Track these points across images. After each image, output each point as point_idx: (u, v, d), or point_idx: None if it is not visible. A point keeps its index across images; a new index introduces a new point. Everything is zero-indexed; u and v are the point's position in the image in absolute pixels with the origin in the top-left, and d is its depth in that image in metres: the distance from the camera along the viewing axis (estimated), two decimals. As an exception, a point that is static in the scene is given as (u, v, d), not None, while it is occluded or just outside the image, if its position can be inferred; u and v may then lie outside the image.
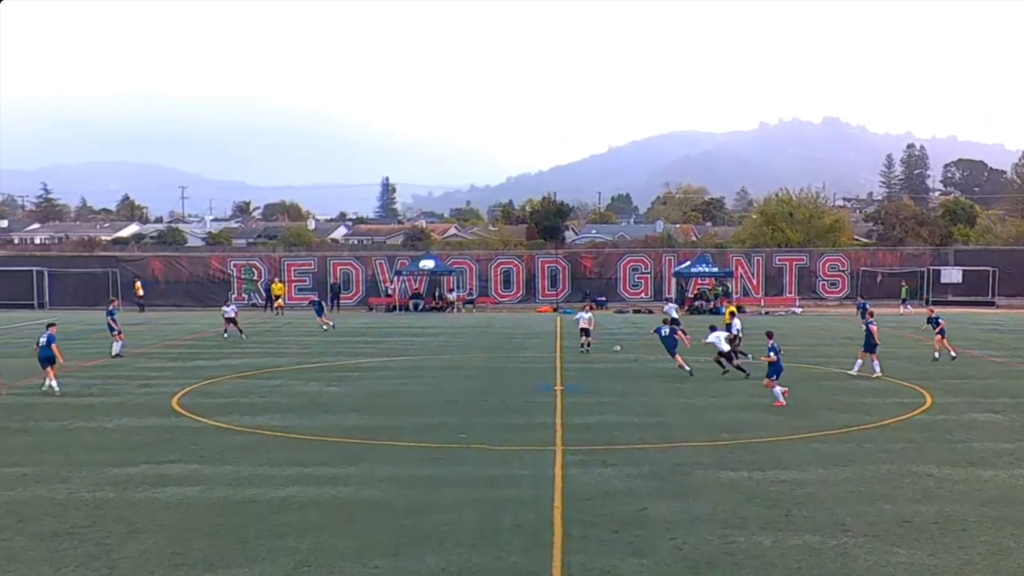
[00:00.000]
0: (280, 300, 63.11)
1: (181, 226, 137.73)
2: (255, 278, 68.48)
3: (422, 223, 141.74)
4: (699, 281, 64.64)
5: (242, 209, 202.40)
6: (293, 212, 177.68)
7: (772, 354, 25.43)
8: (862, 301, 49.68)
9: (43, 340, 27.64)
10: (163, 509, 15.35)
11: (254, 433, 21.41)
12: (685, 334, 32.19)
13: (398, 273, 66.86)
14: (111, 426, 22.36)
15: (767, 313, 60.36)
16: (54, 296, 66.81)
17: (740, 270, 66.79)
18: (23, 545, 13.53)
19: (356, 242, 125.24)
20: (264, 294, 66.54)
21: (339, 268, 68.68)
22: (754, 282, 67.10)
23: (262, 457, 18.95)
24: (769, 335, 26.73)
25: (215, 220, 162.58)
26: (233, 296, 65.43)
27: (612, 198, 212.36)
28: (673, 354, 31.12)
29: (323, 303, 53.33)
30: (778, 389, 24.98)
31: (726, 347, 30.33)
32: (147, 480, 17.07)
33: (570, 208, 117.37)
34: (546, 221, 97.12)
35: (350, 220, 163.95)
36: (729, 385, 28.34)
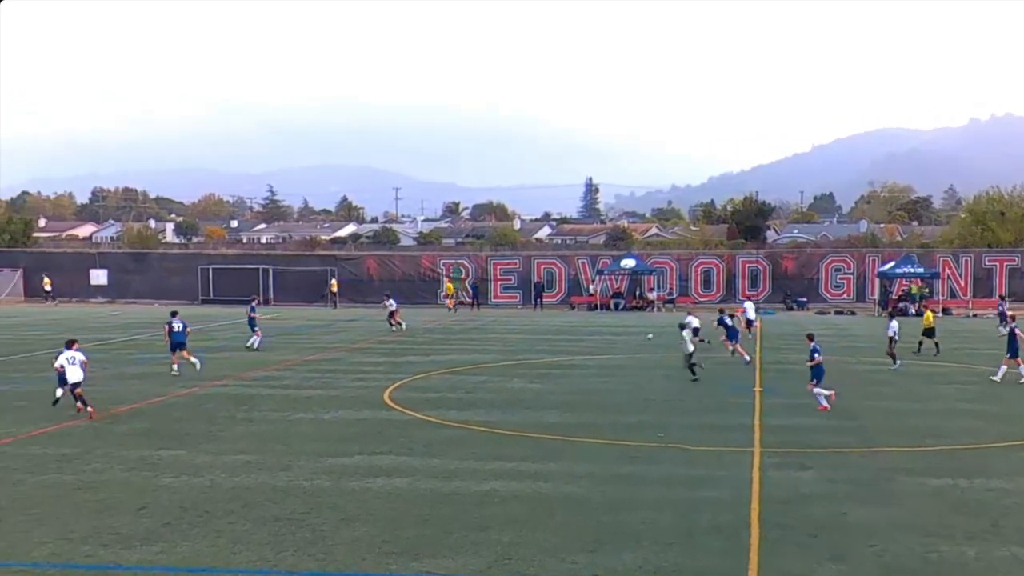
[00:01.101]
0: (452, 299, 64.53)
1: (394, 226, 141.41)
2: (463, 277, 69.68)
3: (624, 223, 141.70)
4: (903, 282, 62.47)
5: (451, 210, 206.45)
6: (500, 212, 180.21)
7: (817, 356, 24.34)
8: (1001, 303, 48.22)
9: (178, 326, 30.89)
10: (374, 499, 15.79)
11: (460, 427, 21.82)
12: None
13: (600, 272, 66.94)
14: (328, 418, 23.15)
15: (975, 316, 57.87)
16: (278, 292, 69.48)
17: (947, 271, 64.02)
18: (247, 529, 14.14)
19: (559, 241, 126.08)
20: (471, 292, 67.67)
21: (543, 267, 69.24)
22: (962, 283, 64.31)
23: (467, 451, 19.29)
24: (810, 337, 25.39)
25: (426, 220, 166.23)
26: (442, 294, 66.92)
27: (815, 197, 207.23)
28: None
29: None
30: (822, 393, 23.98)
31: (691, 347, 29.79)
32: (360, 470, 17.61)
33: (772, 208, 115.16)
34: (747, 221, 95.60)
35: (554, 220, 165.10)
36: (932, 389, 27.34)
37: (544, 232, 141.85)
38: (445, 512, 15.04)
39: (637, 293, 66.45)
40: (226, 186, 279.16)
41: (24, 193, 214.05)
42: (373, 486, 16.55)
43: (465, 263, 70.96)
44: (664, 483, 16.80)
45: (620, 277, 66.83)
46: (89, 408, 22.87)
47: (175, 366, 30.52)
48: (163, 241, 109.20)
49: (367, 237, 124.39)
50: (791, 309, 63.52)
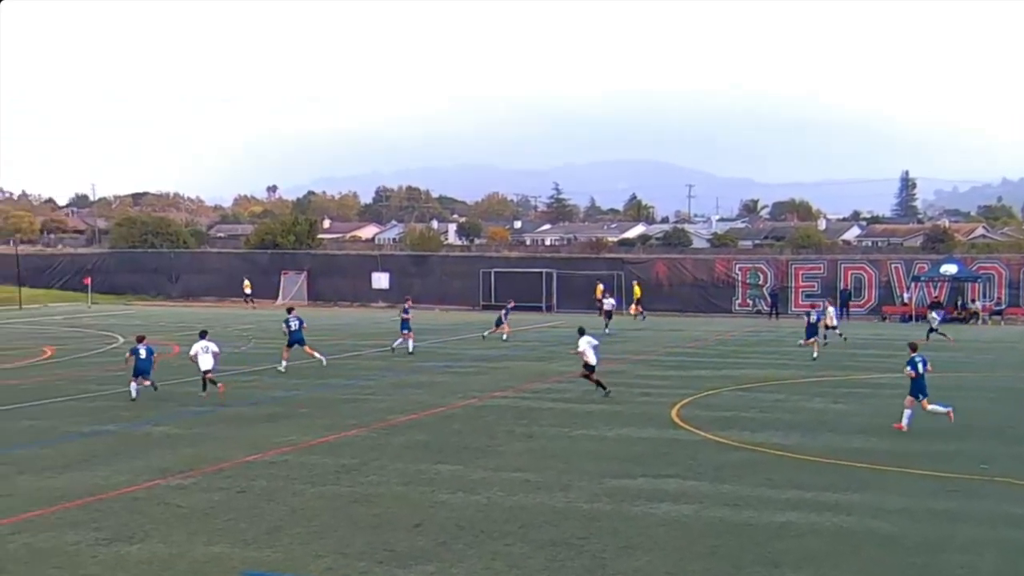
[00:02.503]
0: (637, 305, 64.22)
1: (686, 226, 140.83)
2: (760, 282, 68.68)
3: (944, 222, 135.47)
4: None
5: (749, 208, 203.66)
6: (803, 211, 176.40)
7: (909, 369, 23.57)
8: None
9: (295, 324, 35.00)
10: (658, 526, 15.79)
11: (753, 450, 21.53)
12: None
13: (915, 279, 64.46)
14: (611, 435, 23.33)
15: None
16: (561, 298, 70.52)
17: None
18: (523, 552, 14.43)
19: (870, 244, 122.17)
20: (769, 300, 66.58)
21: (850, 272, 67.35)
22: None
23: (761, 477, 19.01)
24: (912, 347, 24.60)
25: (721, 220, 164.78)
26: (737, 301, 66.17)
27: None
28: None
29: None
30: (933, 406, 23.42)
31: (593, 359, 28.82)
32: (643, 494, 17.65)
33: None
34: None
35: (864, 220, 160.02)
36: None
37: (852, 233, 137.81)
38: (735, 544, 14.87)
39: (959, 303, 63.53)
40: (510, 184, 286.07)
41: (310, 193, 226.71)
42: (657, 512, 16.56)
43: (763, 267, 69.94)
44: (987, 521, 16.01)
45: (939, 284, 64.08)
46: (219, 385, 28.20)
47: (283, 363, 34.81)
48: (445, 243, 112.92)
49: (656, 238, 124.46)
50: None
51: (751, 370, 35.67)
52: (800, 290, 67.70)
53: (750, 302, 68.16)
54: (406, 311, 41.54)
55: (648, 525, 15.79)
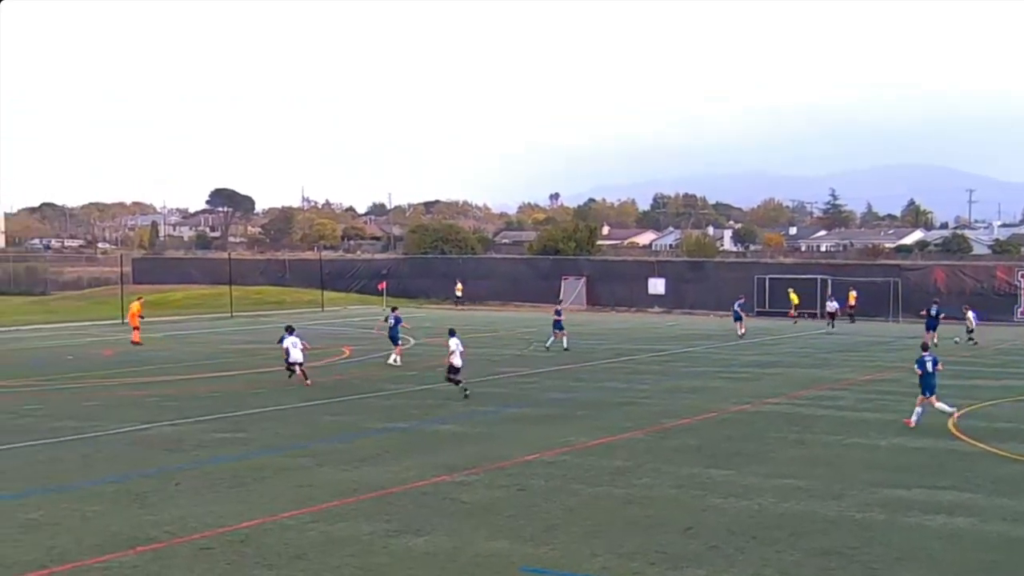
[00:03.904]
0: (795, 309, 62.91)
1: (966, 232, 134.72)
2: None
3: None
4: None
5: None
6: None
7: (917, 367, 24.66)
8: None
9: (392, 321, 37.91)
10: (933, 538, 15.18)
11: (1035, 464, 20.42)
12: None
13: None
14: (884, 444, 22.57)
15: None
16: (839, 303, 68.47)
17: None
18: (794, 559, 14.16)
19: None
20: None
21: None
22: None
23: (1043, 492, 18.02)
24: (923, 347, 26.02)
25: (1003, 226, 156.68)
26: (1020, 310, 62.74)
27: None
28: None
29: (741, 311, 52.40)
30: (940, 404, 24.35)
31: (459, 361, 29.04)
32: (917, 505, 17.01)
33: None
34: None
35: None
36: None
37: None
38: (1013, 560, 14.16)
39: None
40: (785, 190, 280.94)
41: (590, 200, 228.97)
42: (932, 524, 15.94)
43: (1048, 275, 65.93)
44: None
45: None
46: (308, 381, 31.31)
47: (396, 357, 37.55)
48: (720, 249, 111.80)
49: (935, 245, 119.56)
50: None
51: (1034, 380, 33.79)
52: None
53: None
54: (558, 312, 45.08)
55: (923, 537, 15.22)
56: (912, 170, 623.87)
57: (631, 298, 75.71)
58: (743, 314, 52.41)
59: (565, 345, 43.18)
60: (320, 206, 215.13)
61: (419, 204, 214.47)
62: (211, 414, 26.42)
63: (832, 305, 59.91)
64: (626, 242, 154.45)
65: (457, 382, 29.27)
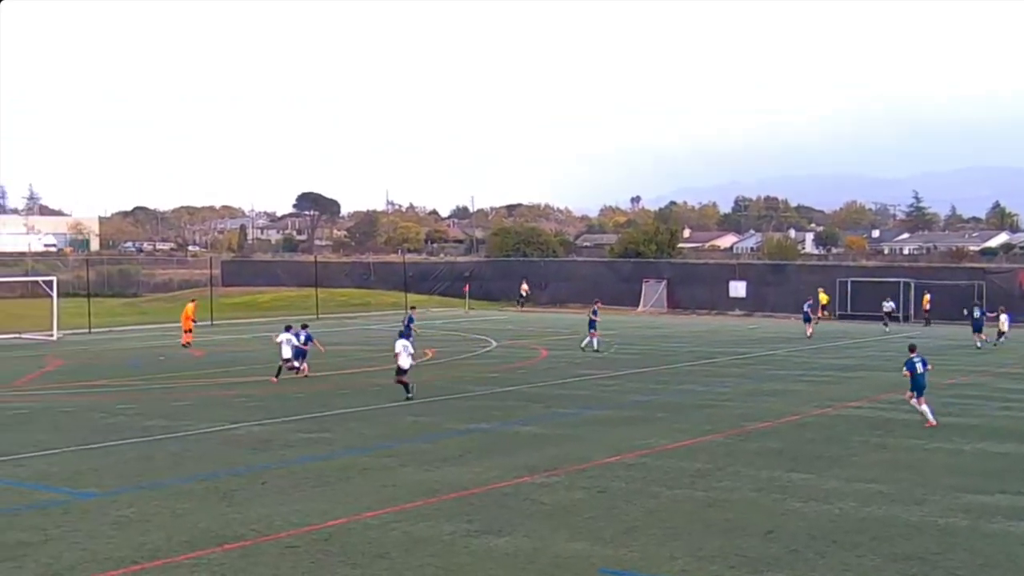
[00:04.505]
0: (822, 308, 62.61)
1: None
2: None
3: None
4: None
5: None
6: None
7: (906, 369, 25.11)
8: None
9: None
10: (1017, 545, 14.87)
11: (1124, 471, 19.89)
12: None
13: None
14: (968, 449, 22.17)
15: None
16: (919, 308, 67.38)
17: None
18: (875, 564, 13.96)
19: None
20: None
21: None
22: None
23: None
24: (911, 348, 26.05)
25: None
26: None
27: None
28: None
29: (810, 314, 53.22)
30: (924, 407, 24.85)
31: (406, 363, 29.21)
32: (1001, 511, 16.67)
33: None
34: None
35: None
36: None
37: None
38: (1101, 568, 13.83)
39: None
40: (868, 192, 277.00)
41: (671, 203, 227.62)
42: (1017, 530, 15.61)
43: None
44: None
45: None
46: (301, 369, 34.02)
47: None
48: (802, 252, 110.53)
49: (1020, 248, 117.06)
50: None
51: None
52: None
53: None
54: (595, 312, 44.21)
55: (1007, 544, 14.93)
56: (997, 172, 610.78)
57: (712, 301, 75.13)
58: (812, 316, 53.56)
59: (595, 346, 43.11)
60: (404, 209, 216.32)
61: (501, 207, 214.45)
62: (297, 414, 26.74)
63: (888, 305, 60.98)
64: (707, 245, 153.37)
65: (404, 384, 29.31)
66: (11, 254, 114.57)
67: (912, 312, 66.37)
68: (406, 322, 40.16)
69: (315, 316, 63.14)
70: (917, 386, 25.05)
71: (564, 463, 20.39)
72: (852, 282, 70.44)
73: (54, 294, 52.99)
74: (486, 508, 16.83)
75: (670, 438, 23.23)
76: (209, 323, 58.16)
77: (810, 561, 14.05)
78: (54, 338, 50.56)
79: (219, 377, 35.13)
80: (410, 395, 29.13)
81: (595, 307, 45.35)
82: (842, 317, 67.26)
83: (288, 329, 34.65)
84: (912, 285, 67.91)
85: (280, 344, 34.09)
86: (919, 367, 25.00)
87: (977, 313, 47.09)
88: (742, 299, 74.32)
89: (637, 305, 76.92)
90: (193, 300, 52.33)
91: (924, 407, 24.96)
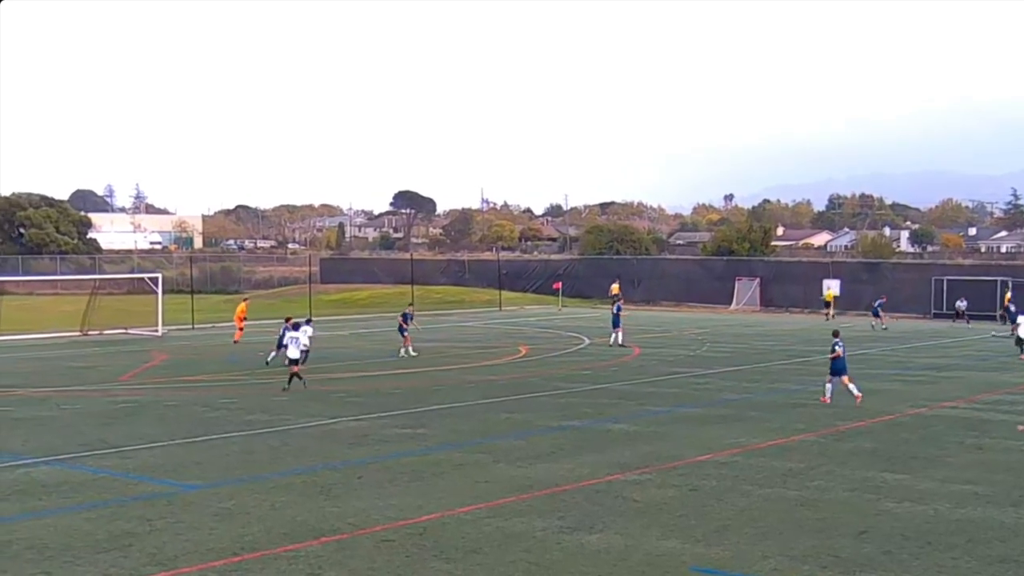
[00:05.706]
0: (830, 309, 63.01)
1: None
2: None
3: None
4: None
5: None
6: None
7: (831, 352, 27.77)
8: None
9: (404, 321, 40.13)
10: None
11: None
12: None
13: None
14: (1060, 451, 21.64)
15: None
16: (1020, 306, 65.75)
17: None
18: (970, 567, 13.67)
19: None
20: None
21: None
22: None
23: None
24: (834, 334, 28.50)
25: None
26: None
27: None
28: None
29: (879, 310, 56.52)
30: (828, 387, 27.97)
31: (296, 353, 30.02)
32: (1103, 515, 16.22)
33: None
34: None
35: None
36: None
37: None
38: None
39: None
40: (965, 190, 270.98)
41: (765, 201, 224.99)
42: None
43: None
44: None
45: None
46: (295, 369, 30.54)
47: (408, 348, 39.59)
48: (897, 250, 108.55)
49: None
50: None
51: None
52: None
53: None
54: (619, 309, 45.40)
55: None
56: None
57: (805, 299, 74.01)
58: (882, 313, 57.29)
59: (620, 341, 43.77)
60: (498, 207, 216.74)
61: (594, 205, 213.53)
62: (393, 410, 26.97)
63: (961, 304, 63.31)
64: (801, 243, 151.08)
65: (293, 374, 30.25)
66: (118, 251, 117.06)
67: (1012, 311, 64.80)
68: (402, 319, 40.11)
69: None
70: (839, 368, 27.73)
71: (655, 461, 20.30)
72: (948, 280, 68.95)
73: (159, 291, 54.03)
74: (578, 505, 16.81)
75: (762, 437, 22.98)
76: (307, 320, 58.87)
77: (904, 563, 13.81)
78: (159, 334, 51.60)
79: (317, 373, 35.54)
80: (287, 388, 30.05)
81: (619, 303, 46.16)
82: (936, 316, 65.95)
83: (296, 327, 32.48)
84: (1010, 283, 66.30)
85: (286, 344, 32.02)
86: (838, 349, 27.60)
87: (1012, 308, 51.13)
88: (836, 297, 72.98)
89: (730, 303, 76.27)
90: (246, 299, 52.98)
91: (851, 386, 27.51)
